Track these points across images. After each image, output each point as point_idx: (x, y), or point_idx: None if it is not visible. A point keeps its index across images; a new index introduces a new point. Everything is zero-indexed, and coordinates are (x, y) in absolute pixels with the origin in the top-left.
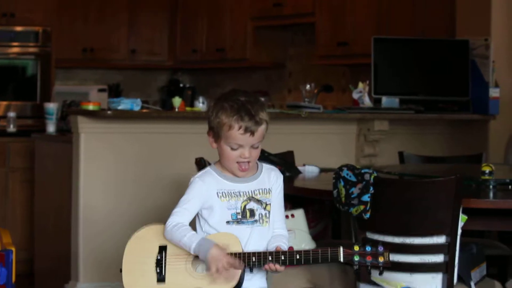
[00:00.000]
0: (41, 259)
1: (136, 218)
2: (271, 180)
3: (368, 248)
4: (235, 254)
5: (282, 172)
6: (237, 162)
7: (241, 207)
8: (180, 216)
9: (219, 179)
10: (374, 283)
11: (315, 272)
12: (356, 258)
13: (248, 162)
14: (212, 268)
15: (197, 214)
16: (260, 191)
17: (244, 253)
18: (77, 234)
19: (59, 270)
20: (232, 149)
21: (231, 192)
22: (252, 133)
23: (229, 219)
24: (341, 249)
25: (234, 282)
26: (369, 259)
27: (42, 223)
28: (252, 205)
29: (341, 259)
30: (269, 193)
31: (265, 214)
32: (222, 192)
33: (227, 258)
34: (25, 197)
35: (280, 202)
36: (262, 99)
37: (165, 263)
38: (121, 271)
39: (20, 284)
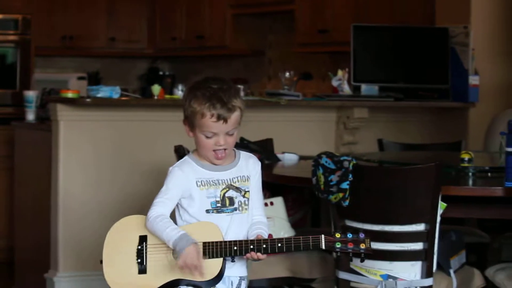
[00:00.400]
0: (21, 248)
1: (116, 206)
2: (249, 167)
3: (350, 235)
4: (216, 243)
5: (261, 160)
6: (213, 150)
7: (220, 195)
8: (162, 206)
9: (197, 168)
10: (354, 271)
11: (294, 260)
12: (338, 245)
13: (225, 149)
14: (180, 261)
15: (177, 205)
16: (239, 178)
17: (225, 242)
18: (56, 222)
19: (39, 259)
20: (207, 137)
21: (209, 181)
22: (225, 120)
23: (209, 207)
24: (323, 236)
25: (216, 272)
26: (350, 245)
27: (22, 212)
28: (231, 193)
29: (323, 247)
30: (247, 181)
31: (244, 201)
32: (201, 181)
33: (198, 262)
34: (4, 185)
35: (258, 189)
36: (240, 86)
37: (146, 253)
38: (101, 262)
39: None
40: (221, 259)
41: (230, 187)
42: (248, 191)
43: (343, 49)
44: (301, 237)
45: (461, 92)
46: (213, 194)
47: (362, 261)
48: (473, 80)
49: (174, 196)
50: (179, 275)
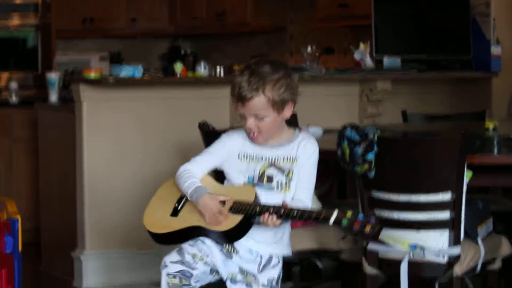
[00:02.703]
0: (47, 228)
1: (140, 184)
2: (299, 148)
3: (361, 216)
4: (243, 202)
5: None
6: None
7: (259, 171)
8: (193, 164)
9: (246, 140)
10: (381, 242)
11: (322, 232)
12: (344, 223)
13: (259, 131)
14: (206, 215)
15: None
16: (285, 158)
17: (251, 203)
18: (82, 202)
19: (65, 239)
20: (240, 115)
21: (253, 156)
22: (243, 102)
23: (245, 181)
24: (335, 212)
25: (230, 226)
26: (356, 226)
27: (47, 193)
28: (271, 171)
29: (331, 223)
30: (294, 161)
31: (286, 182)
32: (244, 154)
33: (216, 206)
34: (29, 167)
35: (307, 170)
36: (293, 77)
37: (185, 201)
38: None
39: (26, 253)
40: (240, 217)
41: (272, 165)
42: (292, 172)
43: (364, 22)
44: (315, 210)
45: (483, 62)
46: (252, 169)
47: (366, 244)
48: (495, 50)
49: (211, 159)
50: (200, 223)
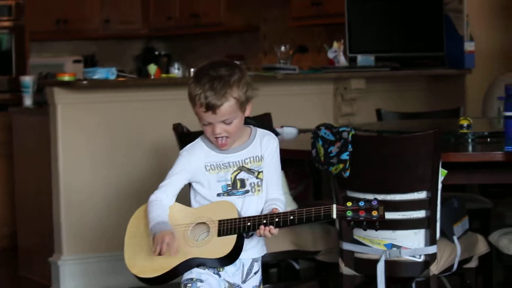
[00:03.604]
0: (24, 233)
1: (117, 187)
2: (263, 146)
3: (362, 203)
4: (230, 220)
5: None
6: (215, 137)
7: (231, 178)
8: (162, 191)
9: (207, 151)
10: (357, 242)
11: (298, 233)
12: (349, 214)
13: (226, 137)
14: (155, 246)
15: (190, 186)
16: (251, 159)
17: (239, 219)
18: (58, 206)
19: (42, 244)
20: (204, 124)
21: (220, 164)
22: (214, 111)
23: (220, 191)
24: (334, 206)
25: (227, 250)
26: (362, 213)
27: (23, 197)
28: (242, 175)
29: (334, 216)
30: (261, 160)
31: (257, 182)
32: (210, 165)
33: (168, 241)
34: (4, 171)
35: (274, 167)
36: (246, 73)
37: None
38: None
39: (4, 258)
40: (235, 237)
41: (242, 169)
42: (262, 172)
43: (337, 20)
44: (312, 208)
45: (457, 59)
46: (223, 177)
47: (376, 229)
48: (469, 46)
49: (178, 180)
50: (195, 254)
